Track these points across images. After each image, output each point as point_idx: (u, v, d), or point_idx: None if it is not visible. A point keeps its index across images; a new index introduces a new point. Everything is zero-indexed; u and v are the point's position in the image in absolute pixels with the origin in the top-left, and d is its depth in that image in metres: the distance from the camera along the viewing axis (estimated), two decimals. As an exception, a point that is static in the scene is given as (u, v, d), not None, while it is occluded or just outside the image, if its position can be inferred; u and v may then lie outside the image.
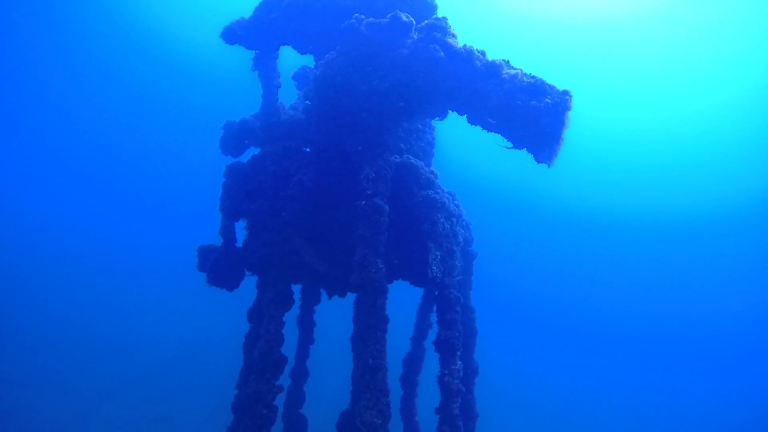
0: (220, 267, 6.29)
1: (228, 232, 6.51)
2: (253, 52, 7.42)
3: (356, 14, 5.44)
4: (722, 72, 36.82)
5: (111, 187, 41.70)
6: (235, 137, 7.06)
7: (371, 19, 5.33)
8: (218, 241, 6.60)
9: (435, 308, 6.29)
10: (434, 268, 5.58)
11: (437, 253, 5.65)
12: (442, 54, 4.90)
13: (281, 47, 7.42)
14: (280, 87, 7.59)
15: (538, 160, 5.01)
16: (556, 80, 4.93)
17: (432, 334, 8.10)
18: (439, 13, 6.34)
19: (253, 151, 7.52)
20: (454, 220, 6.05)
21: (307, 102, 7.45)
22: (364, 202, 5.16)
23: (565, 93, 4.69)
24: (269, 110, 7.34)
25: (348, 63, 5.39)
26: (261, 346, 5.37)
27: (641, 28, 36.21)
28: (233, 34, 6.90)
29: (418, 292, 7.66)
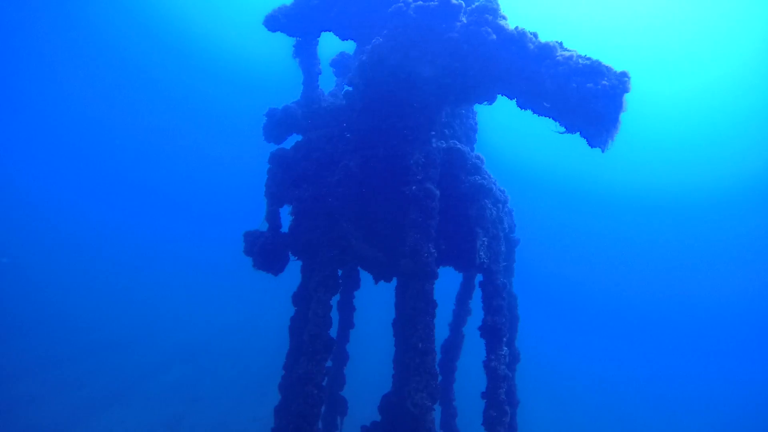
0: (266, 251, 6.41)
1: (273, 218, 6.62)
2: (293, 39, 7.50)
3: (404, -2, 5.38)
4: (724, 44, 34.89)
5: (138, 179, 42.63)
6: (278, 124, 7.14)
7: (419, 2, 5.28)
8: (264, 227, 6.73)
9: (475, 294, 6.30)
10: (482, 253, 5.56)
11: (484, 239, 5.63)
12: (494, 37, 4.83)
13: (321, 34, 7.46)
14: (320, 74, 7.64)
15: (592, 145, 4.91)
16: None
17: (470, 321, 8.15)
18: None
19: (295, 138, 7.63)
20: (500, 206, 6.01)
21: (349, 88, 7.47)
22: (414, 187, 5.17)
23: (624, 75, 4.57)
24: (310, 97, 7.39)
25: (396, 47, 5.36)
26: (310, 328, 5.47)
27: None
28: (276, 22, 6.95)
29: (454, 278, 7.68)
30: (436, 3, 5.16)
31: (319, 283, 5.73)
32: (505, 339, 5.67)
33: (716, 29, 34.42)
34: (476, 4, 5.08)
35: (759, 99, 35.51)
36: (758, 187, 36.76)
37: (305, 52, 7.39)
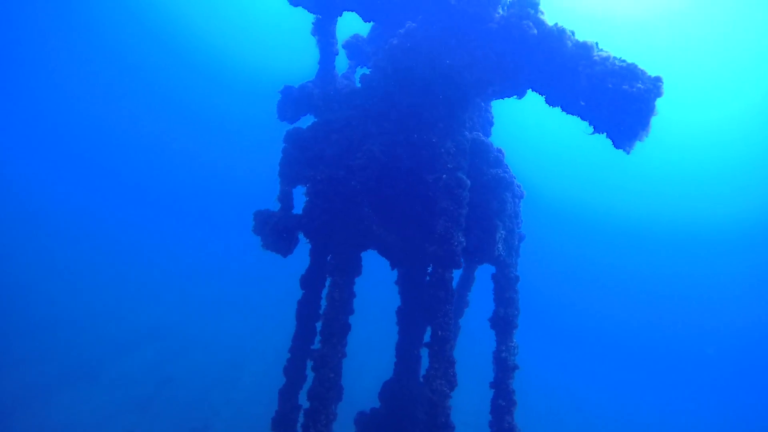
0: (278, 231, 6.29)
1: (286, 198, 6.51)
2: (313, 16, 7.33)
3: (443, -16, 5.33)
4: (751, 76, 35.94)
5: (132, 180, 41.15)
6: (294, 103, 6.98)
7: (459, -10, 5.23)
8: (275, 207, 6.60)
9: (471, 286, 6.42)
10: (500, 246, 5.63)
11: (503, 231, 5.70)
12: (535, 31, 4.85)
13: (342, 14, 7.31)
14: (337, 54, 7.50)
15: (617, 146, 5.03)
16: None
17: (467, 312, 8.27)
18: None
19: (307, 119, 7.48)
20: (517, 201, 6.09)
21: (366, 71, 7.39)
22: (445, 175, 5.17)
23: (658, 79, 4.68)
24: (327, 77, 7.26)
25: (432, 34, 5.32)
26: (327, 312, 5.43)
27: (656, 32, 35.50)
28: (299, -4, 6.76)
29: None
30: (477, -8, 5.13)
31: (336, 266, 5.68)
32: (515, 331, 5.78)
33: (737, 66, 35.13)
34: (518, -4, 5.08)
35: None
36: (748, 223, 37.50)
37: (324, 31, 7.23)
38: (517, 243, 6.19)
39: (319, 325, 6.59)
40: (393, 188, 5.83)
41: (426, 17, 5.39)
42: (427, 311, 5.18)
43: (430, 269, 5.39)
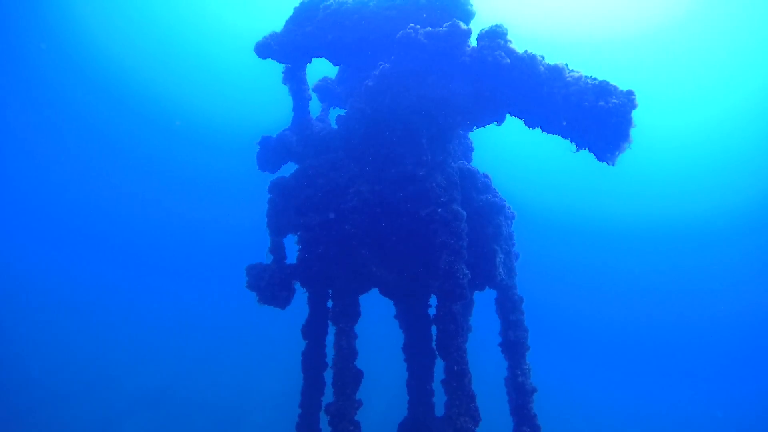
0: (274, 284, 6.15)
1: (278, 249, 6.39)
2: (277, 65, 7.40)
3: (411, 24, 5.48)
4: (722, 82, 37.18)
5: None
6: (273, 152, 6.95)
7: (428, 28, 5.38)
8: (268, 259, 6.47)
9: (472, 310, 6.40)
10: (501, 270, 5.65)
11: (501, 255, 5.73)
12: (508, 60, 5.00)
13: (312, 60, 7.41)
14: (310, 99, 7.56)
15: (601, 159, 5.17)
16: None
17: (471, 337, 8.20)
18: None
19: (288, 167, 7.45)
20: (510, 222, 6.15)
21: (341, 112, 7.46)
22: (440, 209, 5.18)
23: (630, 93, 4.87)
24: (302, 123, 7.28)
25: (406, 72, 5.42)
26: (337, 362, 5.28)
27: (642, 44, 36.97)
28: (268, 49, 6.83)
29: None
30: (446, 29, 5.29)
31: (340, 313, 5.57)
32: (527, 352, 5.75)
33: (723, 66, 36.53)
34: (486, 28, 5.26)
35: (754, 137, 37.57)
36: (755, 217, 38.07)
37: (295, 78, 7.29)
38: (514, 263, 6.22)
39: (326, 374, 6.42)
40: (386, 227, 5.80)
41: (399, 57, 5.49)
42: (439, 347, 5.09)
43: (435, 303, 5.34)
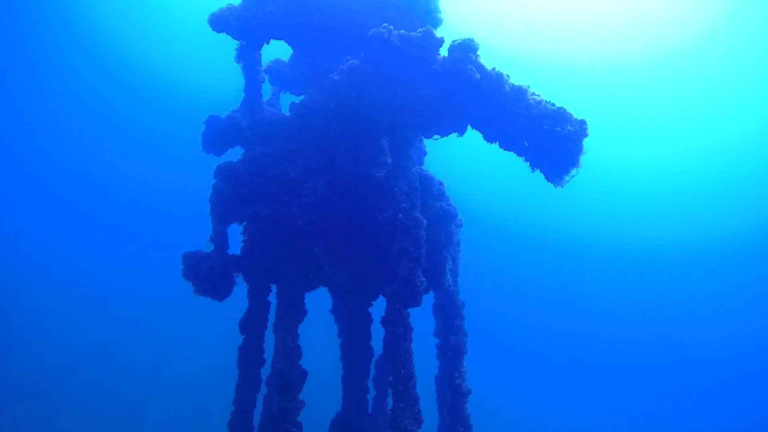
0: (215, 275, 5.80)
1: (220, 238, 6.03)
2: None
3: (384, 24, 5.39)
4: (722, 112, 38.35)
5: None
6: (221, 134, 6.52)
7: (402, 31, 5.34)
8: (208, 248, 6.09)
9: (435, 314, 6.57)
10: (449, 277, 5.82)
11: (450, 262, 5.90)
12: (478, 76, 5.12)
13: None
14: (263, 82, 7.18)
15: (549, 180, 5.51)
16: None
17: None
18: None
19: (234, 151, 7.03)
20: (459, 230, 6.35)
21: (291, 97, 7.19)
22: (401, 215, 5.19)
23: (583, 122, 5.22)
24: (253, 106, 6.92)
25: (375, 72, 5.34)
26: (281, 361, 5.13)
27: (645, 72, 37.71)
28: (223, 22, 6.35)
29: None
30: (420, 34, 5.29)
31: (286, 311, 5.42)
32: (465, 356, 6.01)
33: (725, 92, 37.18)
34: (459, 41, 5.33)
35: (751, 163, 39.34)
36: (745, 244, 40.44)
37: (250, 58, 6.87)
38: (458, 269, 6.45)
39: (263, 371, 6.23)
40: (341, 226, 5.72)
41: (369, 55, 5.39)
42: (387, 350, 5.15)
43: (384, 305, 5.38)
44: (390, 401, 8.44)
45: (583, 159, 5.28)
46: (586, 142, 5.32)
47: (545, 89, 5.70)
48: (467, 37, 5.51)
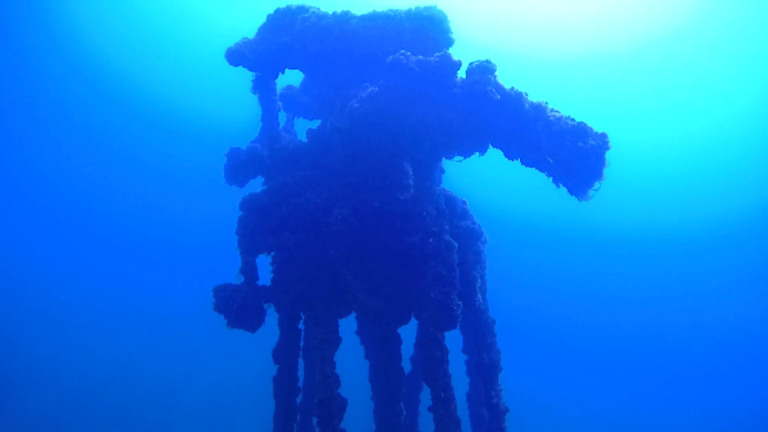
0: (246, 307, 5.86)
1: (250, 270, 6.10)
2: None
3: (402, 51, 5.47)
4: (717, 93, 38.10)
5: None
6: (242, 165, 6.60)
7: (420, 56, 5.42)
8: (238, 279, 6.15)
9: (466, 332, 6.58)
10: (479, 296, 5.84)
11: (479, 281, 5.93)
12: (498, 96, 5.18)
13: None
14: (280, 110, 7.29)
15: (573, 193, 5.54)
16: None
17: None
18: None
19: (255, 181, 7.11)
20: (484, 247, 6.38)
21: (305, 122, 7.28)
22: (432, 240, 5.23)
23: (604, 135, 5.25)
24: (271, 135, 7.02)
25: (395, 97, 5.41)
26: (321, 391, 5.16)
27: (637, 59, 37.70)
28: (241, 56, 6.47)
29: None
30: (437, 59, 5.36)
31: (323, 340, 5.45)
32: (500, 374, 6.01)
33: (717, 77, 37.14)
34: (476, 63, 5.39)
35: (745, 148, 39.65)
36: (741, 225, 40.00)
37: (266, 88, 6.99)
38: (486, 286, 6.47)
39: (298, 399, 6.25)
40: (370, 252, 5.76)
41: (388, 82, 5.46)
42: (425, 373, 5.17)
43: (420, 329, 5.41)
44: (420, 420, 8.45)
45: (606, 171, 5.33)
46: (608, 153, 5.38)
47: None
48: (477, 51, 5.61)
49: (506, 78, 5.59)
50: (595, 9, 35.11)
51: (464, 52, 5.88)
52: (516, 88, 5.40)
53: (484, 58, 5.43)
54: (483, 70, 5.29)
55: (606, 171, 5.39)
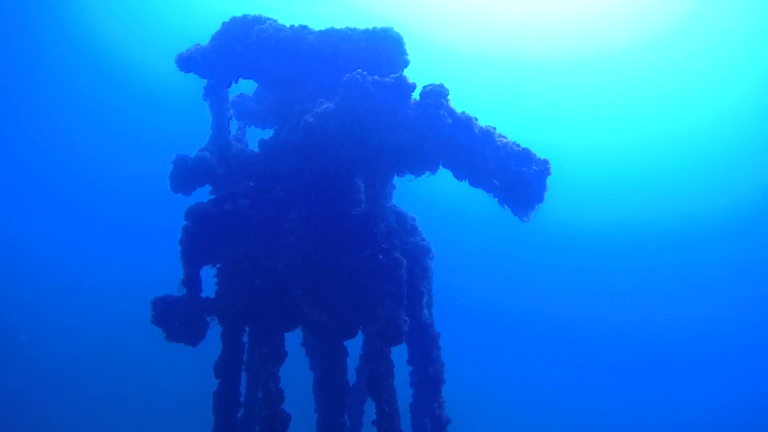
0: (189, 321, 5.67)
1: (193, 282, 5.91)
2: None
3: (359, 69, 5.59)
4: (708, 87, 37.94)
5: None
6: (190, 173, 6.42)
7: (376, 77, 5.55)
8: (180, 291, 5.94)
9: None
10: (426, 311, 6.01)
11: (426, 296, 6.10)
12: (450, 120, 5.41)
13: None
14: (231, 119, 7.17)
15: (516, 215, 5.88)
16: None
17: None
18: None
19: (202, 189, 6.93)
20: (431, 262, 6.57)
21: (257, 131, 7.21)
22: (382, 256, 5.33)
23: (546, 161, 5.63)
24: (222, 143, 6.88)
25: (352, 117, 5.50)
26: (265, 408, 5.08)
27: (627, 60, 37.28)
28: (192, 62, 6.32)
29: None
30: (393, 80, 5.51)
31: (269, 355, 5.38)
32: (443, 386, 6.19)
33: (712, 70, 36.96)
34: (430, 86, 5.60)
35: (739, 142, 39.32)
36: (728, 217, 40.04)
37: (217, 96, 6.86)
38: (432, 301, 6.65)
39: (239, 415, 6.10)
40: (316, 265, 5.77)
41: (343, 99, 5.54)
42: (370, 387, 5.24)
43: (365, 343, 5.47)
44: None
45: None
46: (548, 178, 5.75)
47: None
48: (434, 79, 5.85)
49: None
50: (585, 10, 35.15)
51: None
52: (467, 112, 5.68)
53: (438, 83, 5.65)
54: (436, 95, 5.51)
55: (546, 195, 5.80)
